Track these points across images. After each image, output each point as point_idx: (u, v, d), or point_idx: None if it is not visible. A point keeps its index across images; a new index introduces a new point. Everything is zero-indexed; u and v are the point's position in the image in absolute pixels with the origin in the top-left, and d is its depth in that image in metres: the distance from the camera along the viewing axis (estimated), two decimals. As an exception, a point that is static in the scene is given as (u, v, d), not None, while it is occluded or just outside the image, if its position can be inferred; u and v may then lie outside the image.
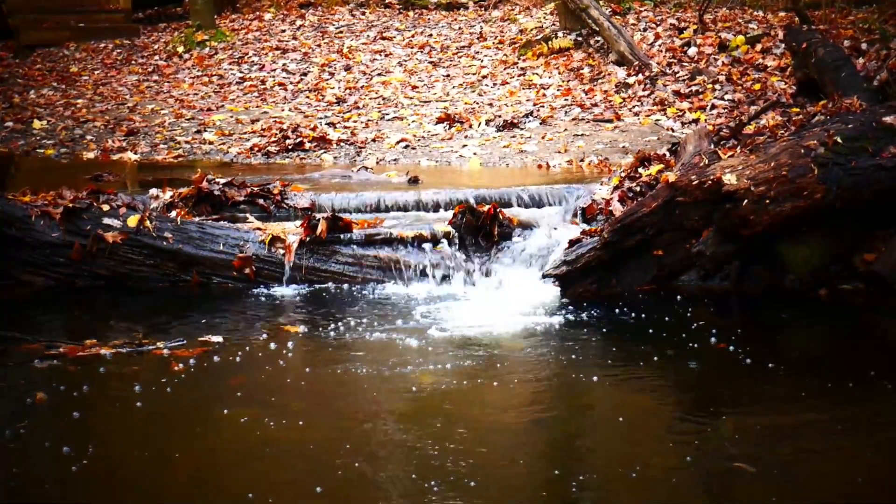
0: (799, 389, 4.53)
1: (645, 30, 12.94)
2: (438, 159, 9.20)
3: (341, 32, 15.01)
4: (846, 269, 6.02)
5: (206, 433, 4.13)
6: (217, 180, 7.06)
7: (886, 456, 3.86)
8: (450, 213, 6.57)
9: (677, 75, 11.05)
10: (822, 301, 5.89)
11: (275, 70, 13.35)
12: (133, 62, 14.53)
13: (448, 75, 12.59)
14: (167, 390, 4.56)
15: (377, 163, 9.12)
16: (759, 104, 9.49)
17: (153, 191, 6.99)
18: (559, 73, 11.98)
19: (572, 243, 6.11)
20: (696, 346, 5.10)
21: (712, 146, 6.72)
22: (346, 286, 6.24)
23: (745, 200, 5.66)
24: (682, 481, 3.68)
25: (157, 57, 14.70)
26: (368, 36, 14.66)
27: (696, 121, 9.54)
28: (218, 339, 5.21)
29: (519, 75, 12.21)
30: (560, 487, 3.69)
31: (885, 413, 4.31)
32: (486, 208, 6.46)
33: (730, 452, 3.93)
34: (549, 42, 12.67)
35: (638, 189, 6.69)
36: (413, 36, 14.51)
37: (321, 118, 10.90)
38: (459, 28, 14.79)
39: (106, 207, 6.36)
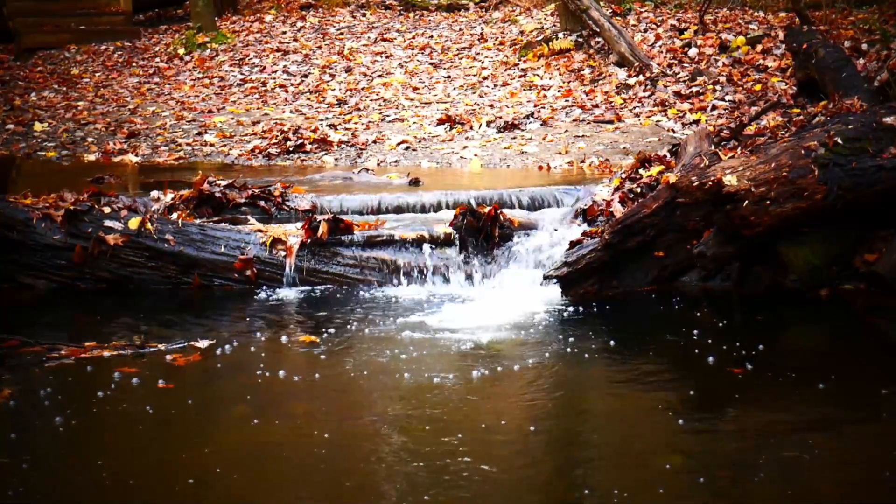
0: (799, 389, 4.53)
1: (645, 31, 12.94)
2: (439, 161, 9.20)
3: (342, 34, 15.02)
4: (847, 269, 6.02)
5: (208, 435, 4.14)
6: (218, 182, 7.06)
7: (886, 455, 3.86)
8: (451, 215, 6.57)
9: (678, 76, 11.06)
10: (823, 301, 5.89)
11: (276, 72, 13.36)
12: (134, 64, 14.54)
13: (449, 77, 12.60)
14: (168, 392, 4.57)
15: (378, 164, 9.12)
16: (759, 105, 9.49)
17: (154, 193, 7.00)
18: (560, 75, 11.98)
19: (573, 244, 6.11)
20: (697, 346, 5.10)
21: (713, 147, 6.72)
22: (347, 288, 6.24)
23: (746, 201, 5.67)
24: (683, 482, 3.68)
25: (157, 59, 14.71)
26: (369, 37, 14.67)
27: (696, 122, 9.54)
28: (219, 341, 5.21)
29: (520, 76, 12.22)
30: (560, 490, 3.69)
31: (886, 412, 4.31)
32: (486, 210, 6.47)
33: (731, 453, 3.93)
34: (550, 43, 12.67)
35: (639, 190, 6.69)
36: (414, 37, 14.52)
37: (322, 120, 10.90)
38: (460, 29, 14.80)
39: (107, 210, 6.36)
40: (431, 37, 14.45)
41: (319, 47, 14.35)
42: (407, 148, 9.64)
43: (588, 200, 6.84)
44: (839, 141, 5.89)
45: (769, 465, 3.73)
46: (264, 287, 6.24)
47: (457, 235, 6.40)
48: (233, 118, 11.22)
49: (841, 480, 3.72)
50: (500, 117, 10.42)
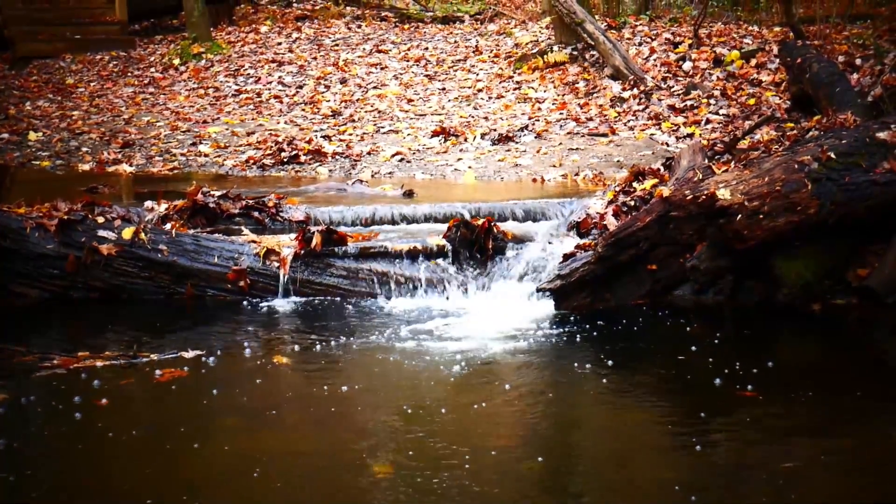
0: (792, 402, 4.54)
1: (640, 44, 12.98)
2: (433, 172, 9.21)
3: (337, 45, 15.04)
4: (839, 283, 6.03)
5: (200, 446, 4.13)
6: (212, 193, 7.07)
7: (883, 468, 3.86)
8: (444, 227, 6.57)
9: (672, 90, 11.09)
10: (816, 315, 5.90)
11: (270, 82, 13.37)
12: (129, 74, 14.55)
13: (444, 89, 12.62)
14: (158, 403, 4.56)
15: (372, 176, 9.13)
16: (753, 119, 9.53)
17: (148, 203, 7.01)
18: (554, 87, 12.01)
19: (566, 257, 6.12)
20: (689, 359, 5.10)
21: (706, 161, 6.74)
22: (340, 299, 6.24)
23: (739, 215, 5.68)
24: (676, 494, 3.68)
25: (152, 69, 14.72)
26: (364, 49, 14.69)
27: (690, 135, 9.57)
28: (211, 351, 5.21)
29: (514, 89, 12.24)
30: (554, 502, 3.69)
31: (880, 426, 4.32)
32: (480, 222, 6.47)
33: (725, 468, 3.93)
34: (545, 56, 12.71)
35: (632, 203, 6.71)
36: (409, 49, 14.55)
37: (316, 131, 10.92)
38: (455, 41, 14.83)
39: (101, 219, 6.36)
40: (426, 49, 14.48)
41: (315, 58, 14.37)
42: (401, 160, 9.66)
43: (582, 213, 6.85)
44: (832, 156, 5.91)
45: (764, 479, 3.73)
46: (257, 298, 6.24)
47: (450, 247, 6.40)
48: (227, 129, 11.23)
49: (837, 494, 3.72)
50: (495, 130, 10.44)
